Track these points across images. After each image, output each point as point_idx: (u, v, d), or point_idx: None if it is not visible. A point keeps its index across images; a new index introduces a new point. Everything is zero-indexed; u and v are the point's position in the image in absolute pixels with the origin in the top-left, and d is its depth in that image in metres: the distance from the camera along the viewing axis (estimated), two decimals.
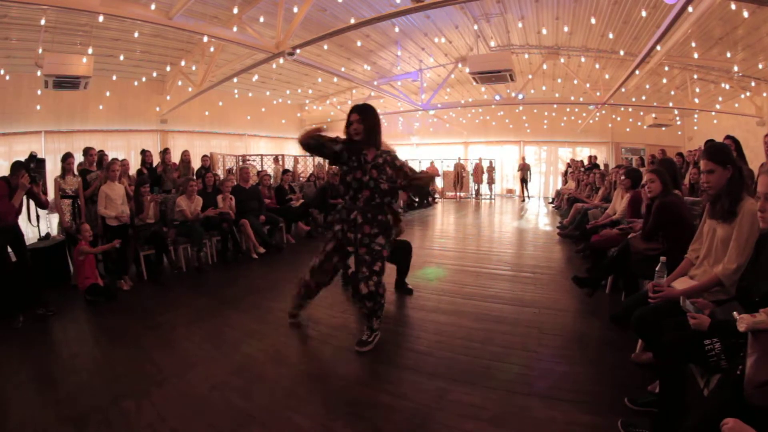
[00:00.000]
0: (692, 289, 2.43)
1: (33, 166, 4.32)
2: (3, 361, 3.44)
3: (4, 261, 4.39)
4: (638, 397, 2.45)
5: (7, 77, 9.10)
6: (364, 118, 3.45)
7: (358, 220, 3.46)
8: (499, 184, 19.15)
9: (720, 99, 12.71)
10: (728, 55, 9.16)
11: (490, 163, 17.95)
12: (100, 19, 6.09)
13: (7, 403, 2.77)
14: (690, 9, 6.14)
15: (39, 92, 9.13)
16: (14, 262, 4.51)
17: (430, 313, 4.21)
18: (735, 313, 1.75)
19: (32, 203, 5.04)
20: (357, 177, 3.45)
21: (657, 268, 2.63)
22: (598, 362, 3.08)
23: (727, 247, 2.40)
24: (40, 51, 7.76)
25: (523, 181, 17.12)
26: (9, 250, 4.46)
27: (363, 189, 3.46)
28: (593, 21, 8.77)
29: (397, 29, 9.25)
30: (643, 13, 7.74)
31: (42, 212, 6.22)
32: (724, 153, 2.53)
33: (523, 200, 16.87)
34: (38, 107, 9.75)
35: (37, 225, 5.70)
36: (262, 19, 7.86)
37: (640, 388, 2.57)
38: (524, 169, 17.07)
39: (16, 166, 4.26)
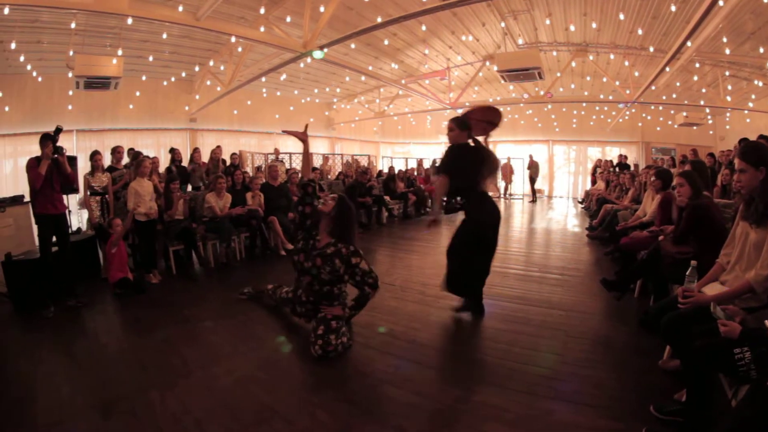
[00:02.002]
0: (723, 295, 2.37)
1: (57, 136, 4.50)
2: (34, 349, 3.60)
3: (45, 251, 4.61)
4: (664, 405, 2.39)
5: (40, 79, 9.40)
6: (339, 208, 3.52)
7: (302, 297, 3.62)
8: (527, 183, 18.91)
9: (753, 97, 12.23)
10: (761, 50, 8.82)
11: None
12: (129, 21, 6.26)
13: (36, 390, 2.89)
14: (720, 2, 5.95)
15: (70, 93, 9.40)
16: (54, 252, 4.71)
17: (457, 313, 4.20)
18: (767, 321, 1.71)
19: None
20: (300, 260, 3.58)
21: (687, 273, 2.55)
22: (625, 368, 3.03)
23: (760, 252, 2.33)
24: (71, 53, 7.99)
25: (532, 181, 16.57)
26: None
27: (305, 274, 3.57)
28: (622, 17, 8.57)
29: (424, 27, 9.23)
30: (673, 8, 7.52)
31: (74, 207, 6.46)
32: (758, 153, 2.43)
33: (533, 201, 16.32)
34: (70, 107, 10.04)
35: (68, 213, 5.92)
36: (288, 19, 7.93)
37: (666, 396, 2.52)
38: (533, 167, 16.58)
39: (44, 138, 4.46)
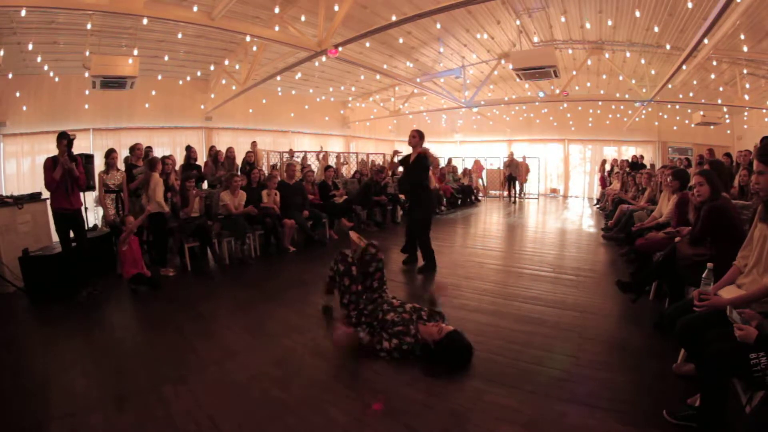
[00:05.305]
0: (739, 298, 2.34)
1: (68, 143, 4.67)
2: (49, 342, 3.69)
3: (66, 245, 4.76)
4: (678, 410, 2.36)
5: (56, 79, 9.52)
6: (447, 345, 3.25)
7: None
8: (543, 183, 18.86)
9: None
10: None
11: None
12: (145, 21, 6.35)
13: (50, 382, 2.97)
14: None
15: (87, 92, 9.51)
16: (72, 247, 4.83)
17: (470, 313, 4.20)
18: None
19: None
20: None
21: (704, 275, 2.53)
22: (639, 371, 3.01)
23: None
24: (87, 53, 8.12)
25: (510, 180, 15.80)
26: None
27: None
28: (638, 14, 8.45)
29: (438, 25, 9.20)
30: (689, 5, 7.38)
31: (90, 204, 6.58)
32: None
33: (513, 201, 15.64)
34: (86, 106, 10.15)
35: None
36: (303, 18, 7.97)
37: (680, 400, 2.49)
38: (512, 165, 15.64)
39: (61, 136, 4.64)
